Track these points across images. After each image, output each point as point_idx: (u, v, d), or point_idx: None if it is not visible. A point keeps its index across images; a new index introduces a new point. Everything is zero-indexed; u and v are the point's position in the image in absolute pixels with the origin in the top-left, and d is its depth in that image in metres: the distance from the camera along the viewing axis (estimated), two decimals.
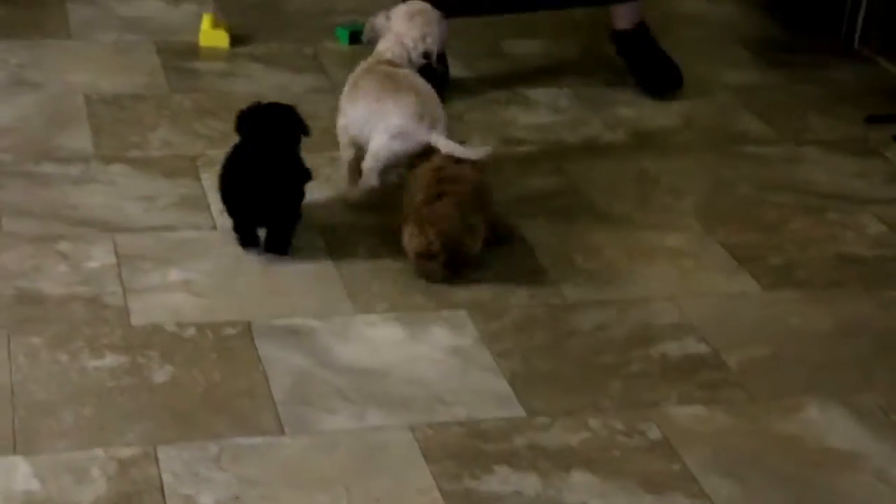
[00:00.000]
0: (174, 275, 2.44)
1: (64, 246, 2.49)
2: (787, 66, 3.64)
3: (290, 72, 3.33)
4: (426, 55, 2.75)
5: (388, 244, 2.57)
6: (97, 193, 2.69)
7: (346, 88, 2.73)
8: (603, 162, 3.02)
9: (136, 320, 2.30)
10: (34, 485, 1.91)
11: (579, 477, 2.03)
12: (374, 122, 2.64)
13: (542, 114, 3.23)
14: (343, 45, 3.53)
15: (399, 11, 2.78)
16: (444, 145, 2.58)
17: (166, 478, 1.94)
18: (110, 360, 2.19)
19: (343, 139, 2.72)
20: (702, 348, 2.37)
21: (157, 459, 1.98)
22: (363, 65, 2.74)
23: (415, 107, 2.60)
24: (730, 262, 2.65)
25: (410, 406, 2.15)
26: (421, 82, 2.68)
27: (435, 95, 2.68)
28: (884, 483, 2.07)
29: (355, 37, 3.54)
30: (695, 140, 3.18)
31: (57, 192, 2.67)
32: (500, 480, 2.01)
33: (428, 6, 2.79)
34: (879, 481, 2.07)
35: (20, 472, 1.93)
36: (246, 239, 2.54)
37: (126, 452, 1.99)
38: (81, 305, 2.32)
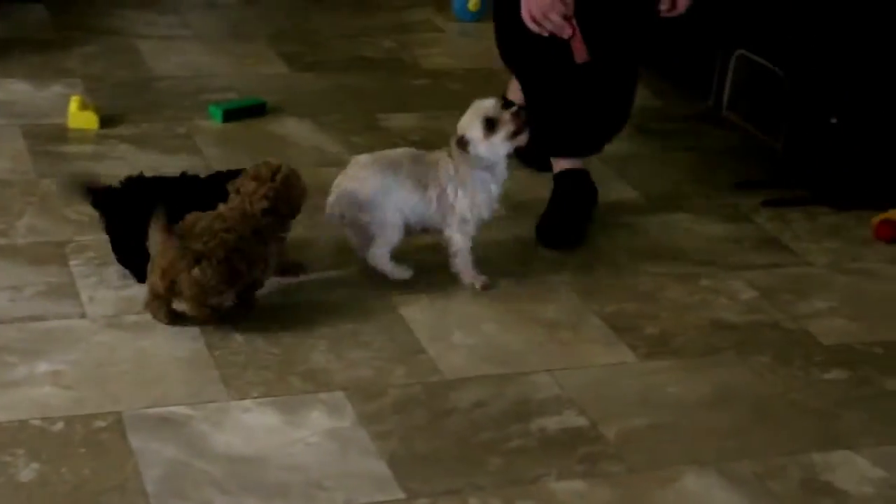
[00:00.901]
0: (41, 367, 2.37)
1: None
2: (658, 135, 3.71)
3: (162, 152, 3.28)
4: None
5: (264, 328, 2.55)
6: None
7: None
8: (480, 234, 3.02)
9: (0, 416, 2.22)
10: None
11: None
12: None
13: None
14: (217, 122, 3.51)
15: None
16: None
17: None
18: None
19: None
20: (580, 421, 2.37)
21: None
22: None
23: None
24: (607, 333, 2.67)
25: (288, 494, 2.11)
26: (370, 164, 2.75)
27: (363, 175, 2.73)
28: None
29: (229, 114, 3.52)
30: None
31: None
32: None
33: (485, 102, 2.75)
34: None
35: None
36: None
37: None
38: None
